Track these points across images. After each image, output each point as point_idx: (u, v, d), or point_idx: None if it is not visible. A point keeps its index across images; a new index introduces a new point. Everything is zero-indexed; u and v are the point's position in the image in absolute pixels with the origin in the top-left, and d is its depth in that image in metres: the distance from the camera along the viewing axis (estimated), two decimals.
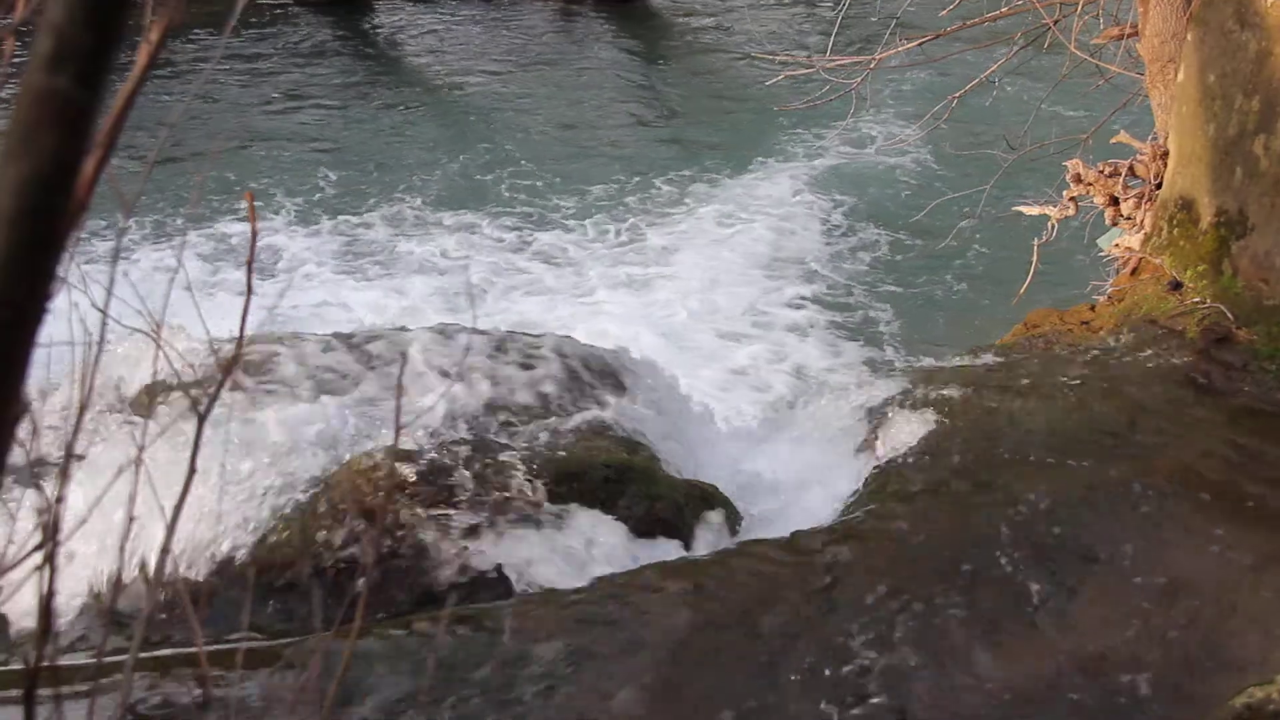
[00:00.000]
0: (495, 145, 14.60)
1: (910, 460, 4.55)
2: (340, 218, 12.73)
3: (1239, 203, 5.31)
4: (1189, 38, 5.61)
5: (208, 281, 10.40)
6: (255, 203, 12.41)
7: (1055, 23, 7.81)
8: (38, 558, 1.30)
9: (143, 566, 3.33)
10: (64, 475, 1.41)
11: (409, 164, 14.09)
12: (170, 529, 1.66)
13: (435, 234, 12.47)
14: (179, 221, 11.72)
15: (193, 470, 1.68)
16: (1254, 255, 5.25)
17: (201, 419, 1.69)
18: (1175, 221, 5.65)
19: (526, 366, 4.79)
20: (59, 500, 1.32)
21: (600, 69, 17.80)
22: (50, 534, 1.27)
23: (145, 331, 1.89)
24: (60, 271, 1.21)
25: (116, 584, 3.19)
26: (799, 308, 11.25)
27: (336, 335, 4.85)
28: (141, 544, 3.19)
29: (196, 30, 16.48)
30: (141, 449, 1.53)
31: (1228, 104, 5.31)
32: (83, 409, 1.46)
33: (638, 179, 13.75)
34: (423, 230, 12.55)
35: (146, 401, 3.87)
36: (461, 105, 16.51)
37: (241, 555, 3.64)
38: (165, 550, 1.66)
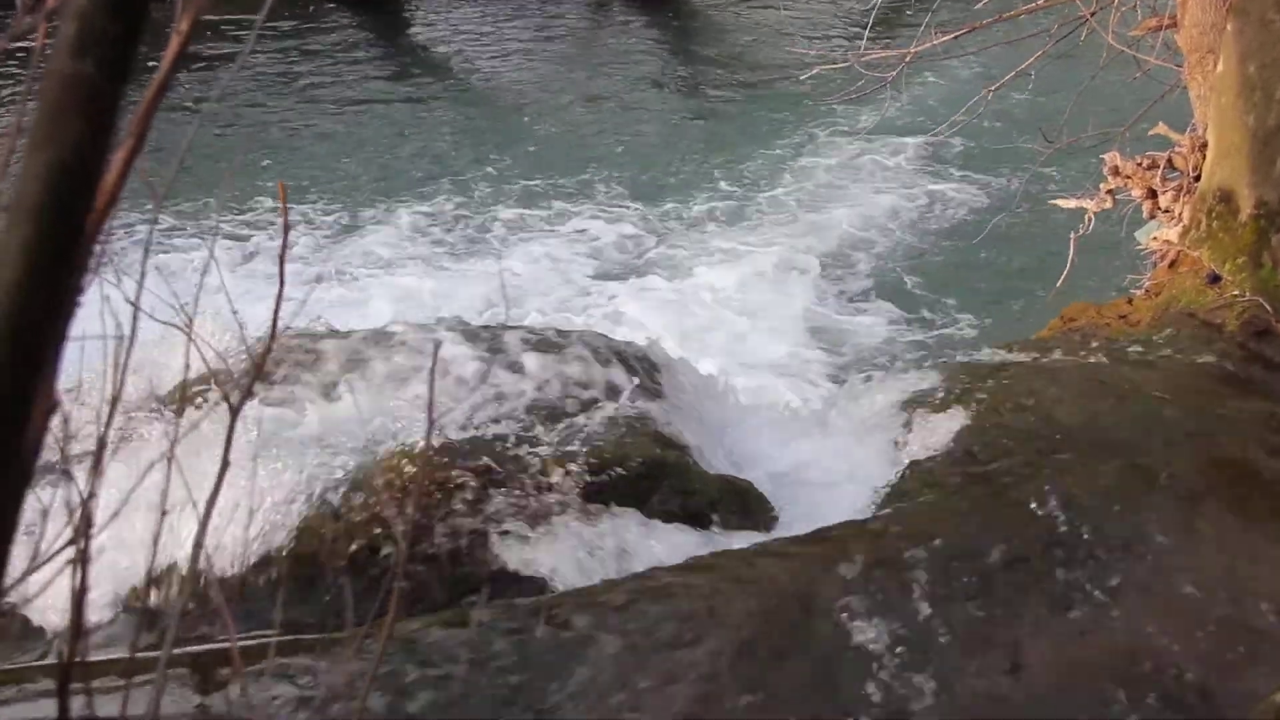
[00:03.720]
0: (527, 141, 14.61)
1: (946, 455, 4.52)
2: (372, 213, 12.77)
3: (1279, 194, 5.25)
4: (1228, 28, 5.55)
5: (241, 275, 10.44)
6: (287, 196, 12.46)
7: (1093, 14, 7.74)
8: (70, 553, 1.29)
9: (176, 562, 3.33)
10: (96, 471, 1.40)
11: (441, 160, 14.12)
12: (203, 524, 1.66)
13: (468, 229, 12.49)
14: (211, 215, 11.77)
15: (225, 464, 1.67)
16: None
17: (234, 413, 1.68)
18: (1214, 214, 5.59)
19: (560, 362, 4.77)
20: (91, 496, 1.31)
21: (633, 63, 17.77)
22: (82, 530, 1.27)
23: (178, 325, 1.88)
24: (91, 264, 1.20)
25: (149, 580, 3.19)
26: (834, 302, 11.21)
27: (369, 330, 4.85)
28: (175, 539, 3.20)
29: (226, 25, 16.52)
30: (174, 443, 1.52)
31: (1268, 95, 5.25)
32: (114, 404, 1.45)
33: (672, 173, 13.73)
34: (456, 226, 12.57)
35: (179, 396, 3.88)
36: (493, 100, 16.52)
37: (275, 550, 3.65)
38: (198, 546, 1.65)
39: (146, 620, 3.08)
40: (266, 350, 1.75)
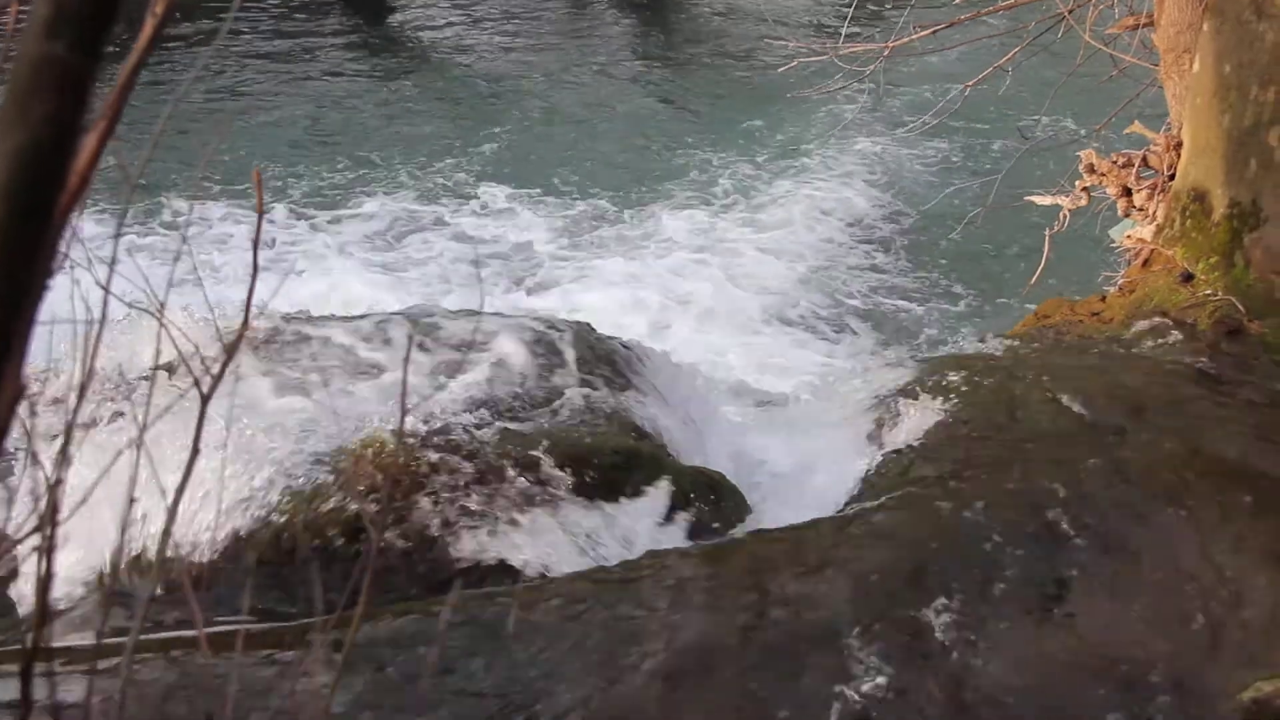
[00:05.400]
0: (509, 132, 14.57)
1: (920, 449, 4.53)
2: (350, 202, 12.72)
3: (1252, 194, 5.27)
4: (1205, 28, 5.57)
5: (214, 261, 10.37)
6: (262, 183, 12.40)
7: (1070, 11, 7.77)
8: (36, 539, 1.28)
9: (144, 548, 3.31)
10: (64, 456, 1.39)
11: (418, 148, 14.08)
12: (172, 510, 1.64)
13: (446, 220, 12.45)
14: (185, 201, 11.70)
15: (195, 451, 1.66)
16: (1267, 247, 5.21)
17: (205, 399, 1.67)
18: (1188, 213, 5.61)
19: (534, 351, 4.76)
20: (58, 482, 1.30)
21: (612, 54, 17.75)
22: (49, 516, 1.25)
23: (148, 310, 1.86)
24: (62, 247, 1.19)
25: (117, 565, 3.17)
26: (810, 296, 11.22)
27: (344, 316, 4.83)
28: (144, 524, 3.18)
29: (205, 4, 16.41)
30: (143, 429, 1.51)
31: (1243, 95, 5.27)
32: (84, 389, 1.44)
33: (649, 163, 13.73)
34: (434, 216, 12.53)
35: (149, 381, 3.85)
36: (476, 92, 16.48)
37: (244, 536, 3.63)
38: (167, 532, 1.64)
39: (115, 604, 3.06)
40: (238, 337, 1.74)
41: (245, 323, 1.82)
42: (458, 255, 11.62)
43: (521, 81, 16.42)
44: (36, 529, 1.36)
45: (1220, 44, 5.39)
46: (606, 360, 4.99)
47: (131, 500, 1.46)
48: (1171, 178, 5.96)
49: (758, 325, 10.66)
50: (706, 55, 17.94)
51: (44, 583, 1.33)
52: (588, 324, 5.28)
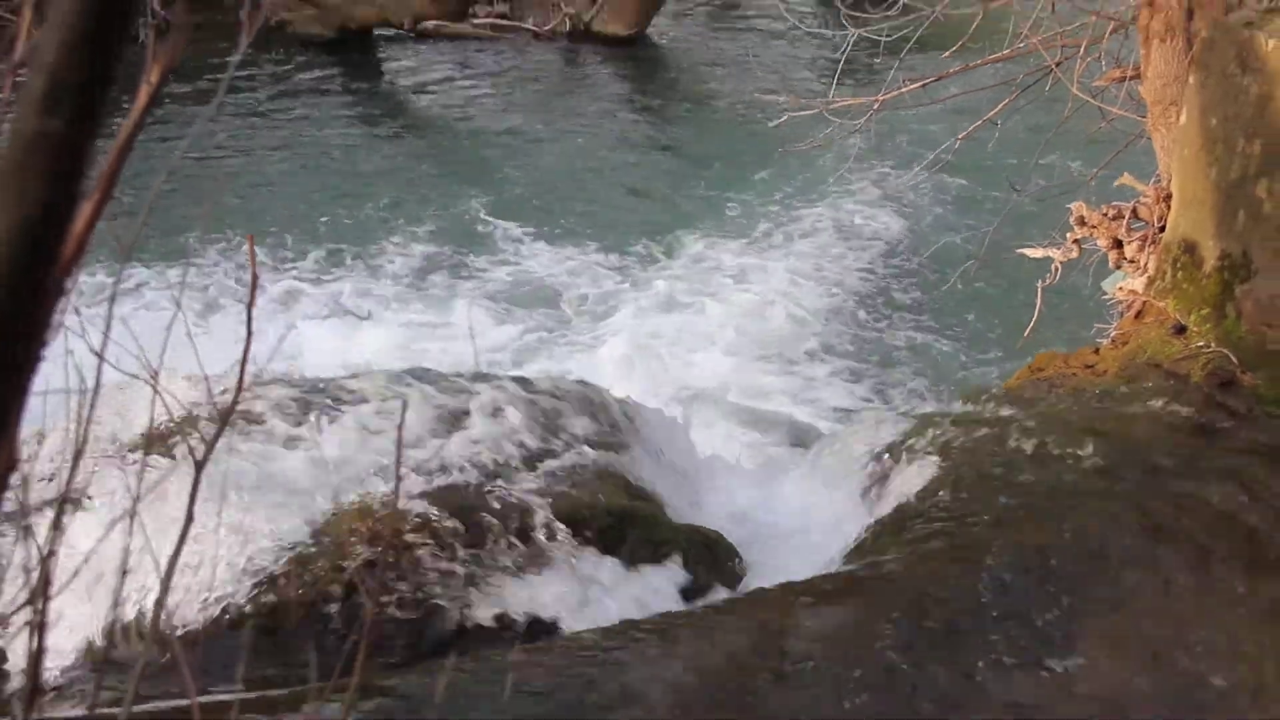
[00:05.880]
0: (497, 186, 14.63)
1: (915, 505, 4.51)
2: (341, 259, 12.74)
3: (1242, 246, 5.29)
4: (1190, 81, 5.61)
5: (207, 324, 10.34)
6: (255, 246, 12.41)
7: (1058, 65, 7.83)
8: (28, 613, 1.27)
9: (137, 617, 3.28)
10: (56, 527, 1.38)
11: (411, 203, 14.11)
12: (166, 579, 1.63)
13: (438, 276, 12.47)
14: (178, 265, 11.72)
15: (189, 519, 1.64)
16: (1258, 299, 5.22)
17: (199, 468, 1.66)
18: (1179, 265, 5.63)
19: (529, 410, 4.75)
20: (51, 554, 1.29)
21: (604, 109, 17.86)
22: (41, 589, 1.24)
23: (142, 377, 1.86)
24: (56, 317, 1.18)
25: (109, 635, 3.14)
26: (803, 350, 11.23)
27: (336, 377, 4.82)
28: (137, 593, 3.15)
29: (196, 64, 16.50)
30: (136, 499, 1.50)
31: (1230, 148, 5.30)
32: (77, 459, 1.43)
33: (642, 220, 13.77)
34: (425, 272, 12.55)
35: (143, 448, 3.84)
36: (464, 145, 16.55)
37: (237, 604, 3.60)
38: (160, 602, 1.62)
39: (106, 675, 3.03)
40: (233, 404, 1.73)
41: (239, 389, 1.81)
42: (451, 314, 11.62)
43: (511, 139, 16.50)
44: (28, 602, 1.35)
45: (1206, 97, 5.42)
46: (602, 418, 4.99)
47: (124, 572, 1.44)
48: (1162, 230, 5.98)
49: (749, 380, 10.65)
50: (696, 109, 18.06)
51: (36, 657, 1.32)
52: (584, 381, 5.28)
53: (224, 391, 3.59)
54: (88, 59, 0.86)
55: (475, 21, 20.26)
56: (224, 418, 1.72)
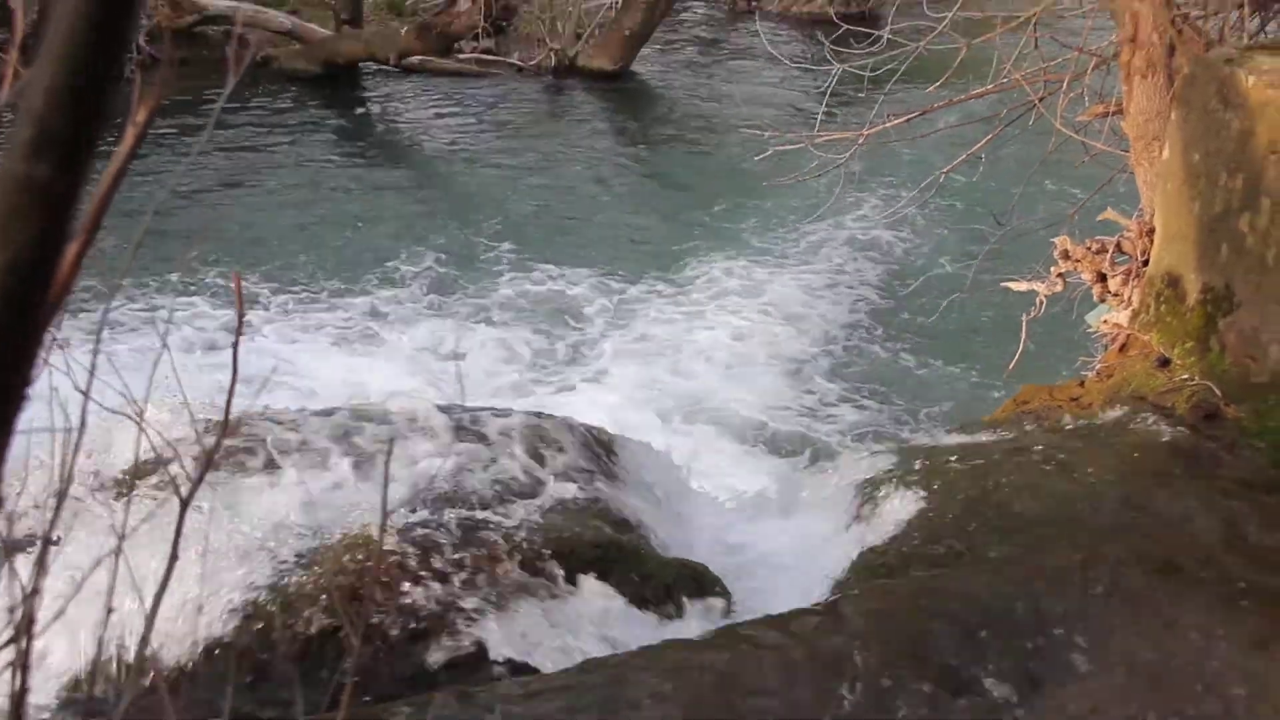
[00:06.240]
0: (483, 221, 14.65)
1: (900, 538, 4.52)
2: (329, 291, 12.73)
3: (1225, 280, 5.32)
4: (1173, 117, 5.66)
5: (196, 357, 10.32)
6: (245, 280, 12.43)
7: (1041, 100, 7.89)
8: (11, 652, 1.27)
9: (121, 654, 3.27)
10: (40, 565, 1.38)
11: (396, 238, 14.13)
12: (150, 617, 1.63)
13: (422, 311, 12.47)
14: (164, 300, 11.70)
15: (174, 557, 1.65)
16: (1241, 332, 5.25)
17: (184, 505, 1.66)
18: (1162, 298, 5.66)
19: (515, 442, 4.76)
20: (34, 593, 1.29)
21: (589, 144, 17.92)
22: (24, 629, 1.24)
23: (127, 414, 1.86)
24: (41, 356, 1.19)
25: (94, 674, 3.13)
26: (787, 382, 11.25)
27: (321, 411, 4.81)
28: (122, 629, 3.14)
29: (186, 100, 16.53)
30: (121, 538, 1.50)
31: (1212, 182, 5.34)
32: (61, 498, 1.43)
33: (628, 256, 13.81)
34: (410, 307, 12.55)
35: (128, 486, 3.83)
36: (449, 179, 16.60)
37: (223, 639, 3.59)
38: (145, 640, 1.62)
39: (91, 715, 3.02)
40: (219, 441, 1.74)
41: (225, 426, 1.82)
42: (436, 349, 11.62)
43: (495, 175, 16.54)
44: (11, 641, 1.35)
45: (1188, 132, 5.47)
46: (589, 452, 4.99)
47: (109, 610, 1.45)
48: (1145, 263, 6.02)
49: (735, 412, 10.67)
50: (682, 142, 18.14)
51: (19, 697, 1.32)
52: (569, 417, 5.29)
53: (211, 426, 3.59)
54: (76, 108, 0.87)
55: (460, 57, 20.34)
56: (210, 455, 1.72)
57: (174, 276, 12.18)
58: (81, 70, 0.83)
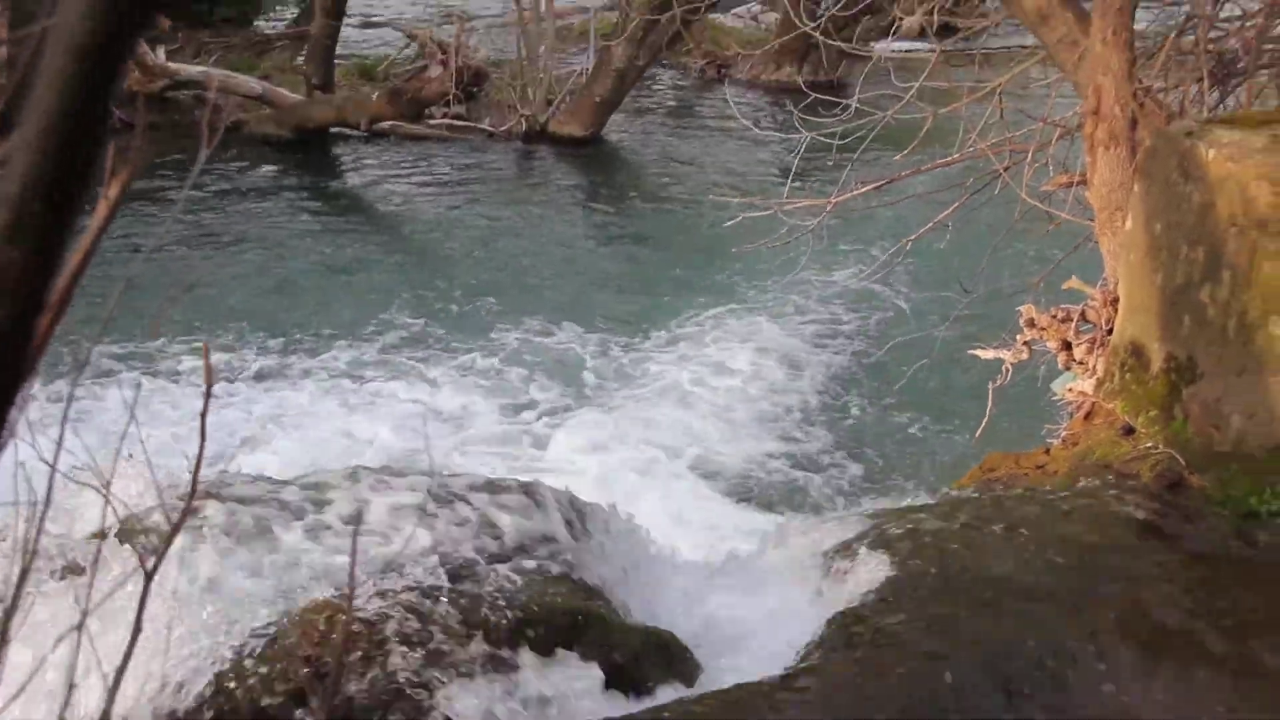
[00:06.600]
0: (456, 282, 14.68)
1: (868, 606, 4.52)
2: (298, 359, 12.71)
3: (1188, 350, 5.38)
4: (1135, 188, 5.74)
5: (159, 427, 10.19)
6: (216, 344, 12.39)
7: (1006, 169, 8.00)
8: None
9: None
10: (2, 640, 1.37)
11: (367, 302, 14.14)
12: (112, 691, 1.62)
13: (394, 372, 12.46)
14: (134, 365, 11.66)
15: (138, 630, 1.64)
16: (1204, 402, 5.31)
17: (149, 577, 1.65)
18: (1127, 367, 5.72)
19: (482, 508, 4.74)
20: None
21: (561, 208, 18.02)
22: None
23: (93, 485, 1.86)
24: (8, 429, 1.19)
25: None
26: (756, 449, 11.26)
27: (286, 480, 4.79)
28: (84, 706, 3.10)
29: (157, 164, 16.54)
30: (85, 613, 1.50)
31: (1173, 254, 5.41)
32: (25, 571, 1.42)
33: (597, 322, 13.83)
34: (381, 368, 12.54)
35: (93, 558, 3.80)
36: (422, 241, 16.65)
37: (184, 715, 3.55)
38: (106, 715, 1.61)
39: None
40: (184, 512, 1.74)
41: (192, 496, 1.81)
42: (403, 415, 11.60)
43: (465, 239, 16.56)
44: None
45: (1150, 204, 5.54)
46: (555, 518, 4.97)
47: (71, 686, 1.44)
48: (1109, 332, 6.08)
49: (703, 479, 10.67)
50: (652, 206, 18.25)
51: None
52: (537, 481, 5.27)
53: (178, 495, 3.57)
54: (51, 195, 0.89)
55: (431, 122, 20.44)
56: (176, 527, 1.72)
57: (143, 344, 12.15)
58: (57, 159, 0.84)
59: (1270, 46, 7.39)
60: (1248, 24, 7.67)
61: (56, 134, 0.84)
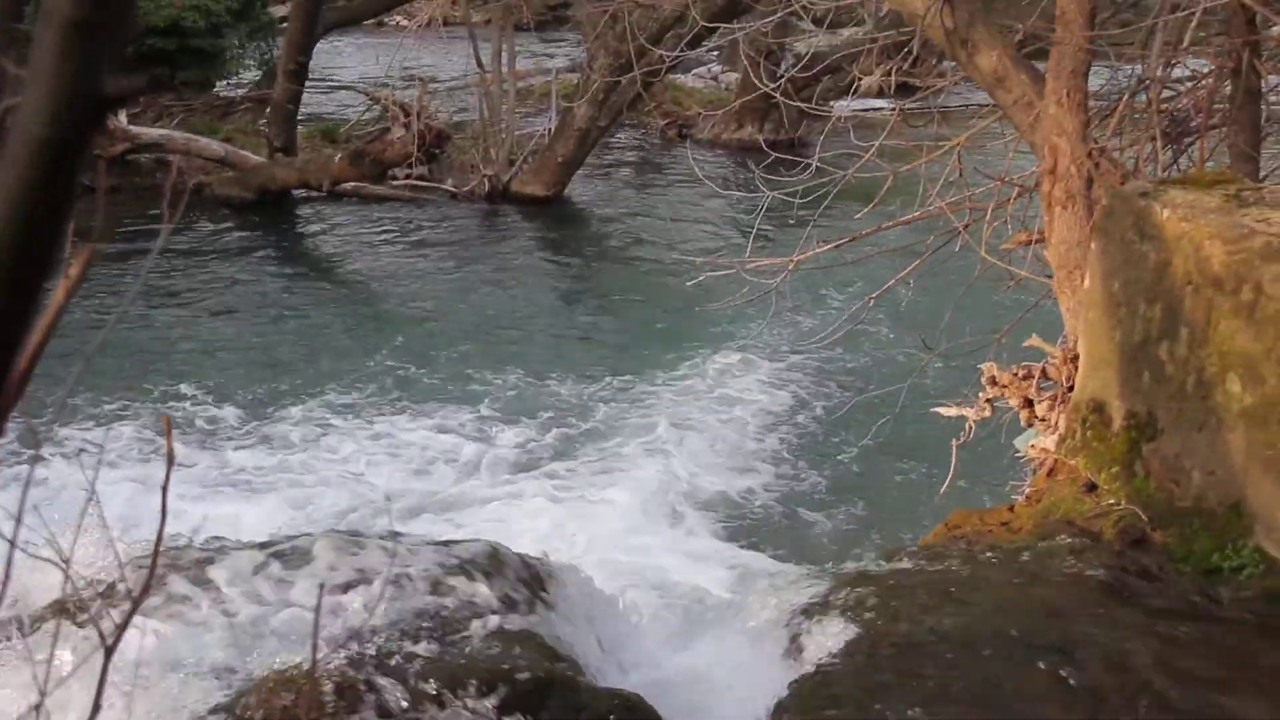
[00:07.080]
0: (414, 348, 14.64)
1: (834, 666, 4.51)
2: (259, 421, 12.63)
3: (1148, 406, 5.43)
4: (1092, 246, 5.80)
5: (120, 497, 10.05)
6: (171, 425, 12.31)
7: (965, 227, 8.07)
8: None
9: None
10: None
11: (334, 362, 14.08)
12: None
13: (351, 441, 12.37)
14: (96, 436, 11.54)
15: (97, 708, 1.62)
16: (1164, 458, 5.34)
17: (108, 654, 1.64)
18: (1088, 424, 5.76)
19: (445, 572, 4.72)
20: None
21: (523, 268, 18.05)
22: None
23: (54, 561, 1.84)
24: None
25: None
26: (719, 508, 11.25)
27: (249, 545, 4.76)
28: None
29: (119, 227, 16.50)
30: (43, 694, 1.48)
31: (1132, 311, 5.47)
32: None
33: (560, 381, 13.83)
34: (339, 437, 12.45)
35: (53, 634, 3.76)
36: (385, 300, 16.64)
37: None
38: None
39: None
40: (145, 587, 1.72)
41: (153, 570, 1.80)
42: (363, 480, 11.53)
43: (429, 301, 16.54)
44: None
45: (1108, 263, 5.61)
46: (519, 580, 4.95)
47: None
48: (1070, 389, 6.12)
49: (666, 539, 10.64)
50: (615, 265, 18.32)
51: None
52: (498, 544, 5.25)
53: (138, 567, 3.54)
54: (13, 286, 0.89)
55: (394, 183, 20.46)
56: (136, 602, 1.71)
57: (105, 408, 12.08)
58: (18, 270, 0.84)
59: (1221, 106, 7.50)
60: (1199, 85, 7.79)
61: (14, 225, 0.85)
